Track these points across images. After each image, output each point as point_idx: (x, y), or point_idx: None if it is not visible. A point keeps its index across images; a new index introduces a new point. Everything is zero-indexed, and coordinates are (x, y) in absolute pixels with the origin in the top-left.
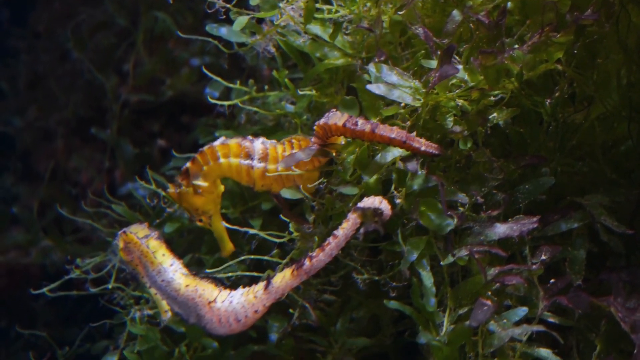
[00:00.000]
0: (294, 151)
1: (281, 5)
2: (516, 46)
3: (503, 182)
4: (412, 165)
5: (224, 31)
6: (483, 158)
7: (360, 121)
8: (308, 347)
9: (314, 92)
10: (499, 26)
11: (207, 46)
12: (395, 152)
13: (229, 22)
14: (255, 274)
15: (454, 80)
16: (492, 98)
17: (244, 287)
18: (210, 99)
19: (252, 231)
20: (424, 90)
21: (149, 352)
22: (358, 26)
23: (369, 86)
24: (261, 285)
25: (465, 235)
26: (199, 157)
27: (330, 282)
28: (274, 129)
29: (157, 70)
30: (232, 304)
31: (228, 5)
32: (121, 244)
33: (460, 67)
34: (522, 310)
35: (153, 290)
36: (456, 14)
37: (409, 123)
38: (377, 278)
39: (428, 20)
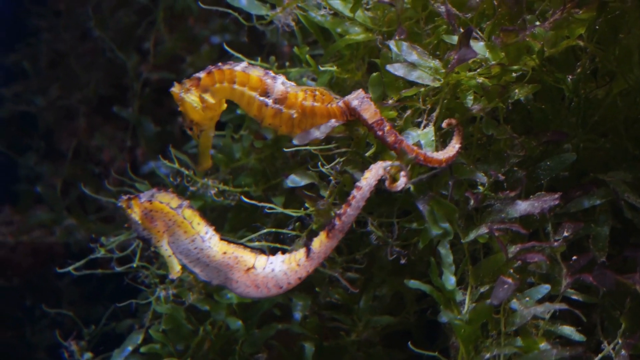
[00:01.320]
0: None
1: None
2: (537, 23)
3: (524, 159)
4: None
5: (244, 2)
6: (504, 135)
7: (387, 129)
8: (332, 325)
9: (335, 68)
10: (520, 3)
11: (227, 24)
12: (414, 134)
13: None
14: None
15: (475, 59)
16: (514, 74)
17: (282, 253)
18: None
19: (271, 206)
20: (443, 70)
21: (174, 330)
22: (379, 1)
23: (388, 67)
24: (302, 252)
25: (486, 213)
26: (215, 72)
27: (355, 259)
28: None
29: (177, 48)
30: (273, 271)
31: None
32: (138, 210)
33: (481, 44)
34: (545, 288)
35: (167, 252)
36: None
37: (429, 106)
38: (399, 251)
39: None
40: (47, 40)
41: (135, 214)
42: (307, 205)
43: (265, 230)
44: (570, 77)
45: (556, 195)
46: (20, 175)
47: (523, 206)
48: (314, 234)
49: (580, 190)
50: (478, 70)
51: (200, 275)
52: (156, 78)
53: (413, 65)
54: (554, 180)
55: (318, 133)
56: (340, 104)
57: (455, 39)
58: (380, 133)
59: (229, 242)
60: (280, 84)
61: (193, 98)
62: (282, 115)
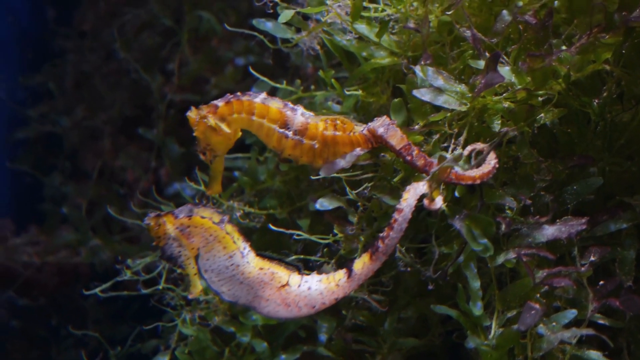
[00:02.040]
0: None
1: (328, 2)
2: (564, 47)
3: (551, 183)
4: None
5: (269, 25)
6: (531, 159)
7: (416, 153)
8: (357, 348)
9: (360, 92)
10: (546, 28)
11: (251, 45)
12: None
13: (275, 18)
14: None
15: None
16: (540, 99)
17: (318, 273)
18: None
19: (298, 233)
20: (470, 94)
21: (200, 352)
22: (405, 27)
23: (414, 92)
24: (342, 273)
25: (513, 237)
26: (234, 103)
27: (380, 282)
28: None
29: (201, 70)
30: (309, 289)
31: (277, 0)
32: (172, 226)
33: (507, 68)
34: (572, 313)
35: (194, 270)
36: (505, 14)
37: (456, 130)
38: (422, 269)
39: (475, 19)
40: (72, 61)
41: (169, 230)
42: (335, 230)
43: (293, 257)
44: (596, 101)
45: (583, 220)
46: (46, 195)
47: (550, 231)
48: (343, 259)
49: (606, 214)
50: (504, 94)
51: (227, 294)
52: (180, 99)
53: (439, 90)
54: (580, 204)
55: (344, 163)
56: (365, 131)
57: (481, 63)
58: (409, 158)
59: (264, 257)
60: (300, 115)
61: (211, 123)
62: (302, 146)
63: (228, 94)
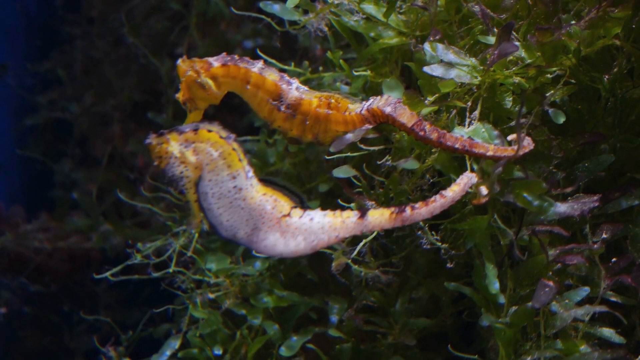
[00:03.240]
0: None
1: None
2: (573, 22)
3: (562, 160)
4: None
5: (277, 8)
6: (542, 136)
7: (428, 127)
8: (368, 329)
9: (368, 72)
10: (555, 2)
11: (259, 28)
12: (462, 133)
13: (283, 0)
14: None
15: (510, 58)
16: (549, 75)
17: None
18: None
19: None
20: (481, 68)
21: (212, 335)
22: (412, 4)
23: (425, 68)
24: (353, 213)
25: (525, 215)
26: (232, 67)
27: (391, 262)
28: None
29: (210, 53)
30: (312, 221)
31: None
32: (176, 143)
33: (517, 44)
34: (584, 290)
35: (194, 197)
36: None
37: (469, 104)
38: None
39: None
40: (80, 48)
41: (174, 147)
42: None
43: None
44: (606, 77)
45: (595, 197)
46: (56, 181)
47: (563, 208)
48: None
49: (618, 191)
50: (514, 69)
51: (226, 225)
52: None
53: (450, 65)
54: (591, 181)
55: (353, 137)
56: (363, 112)
57: (490, 39)
58: (422, 134)
59: (269, 184)
60: (294, 89)
61: (201, 81)
62: (294, 120)
63: (225, 54)
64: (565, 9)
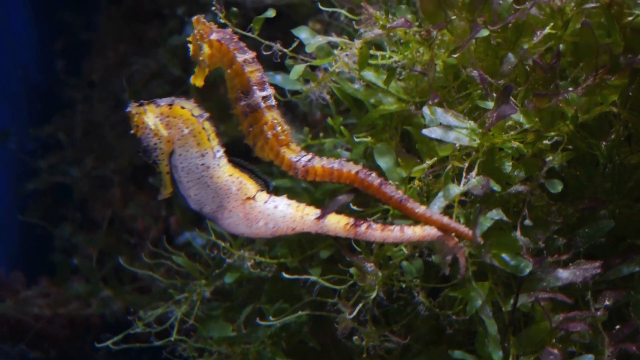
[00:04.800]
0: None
1: (336, 52)
2: (570, 89)
3: (562, 226)
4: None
5: (279, 79)
6: (541, 202)
7: (374, 174)
8: None
9: (369, 138)
10: (553, 68)
11: None
12: (455, 191)
13: (282, 68)
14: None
15: (509, 122)
16: (547, 142)
17: (288, 198)
18: None
19: (311, 278)
20: (480, 131)
21: None
22: (411, 70)
23: (424, 131)
24: (314, 212)
25: (527, 281)
26: (223, 46)
27: (392, 330)
28: None
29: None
30: (275, 209)
31: (285, 50)
32: (152, 115)
33: (516, 107)
34: (589, 358)
35: (167, 168)
36: (511, 57)
37: (466, 164)
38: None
39: (481, 63)
40: (81, 112)
41: (150, 118)
42: (351, 271)
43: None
44: (604, 143)
45: (597, 264)
46: (56, 246)
47: (565, 275)
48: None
49: (619, 257)
50: (512, 133)
51: (193, 199)
52: None
53: (449, 127)
54: (591, 246)
55: (345, 198)
56: (298, 164)
57: (489, 104)
58: (367, 179)
59: (237, 167)
60: (260, 97)
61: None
62: (245, 118)
63: (230, 30)
64: (563, 76)
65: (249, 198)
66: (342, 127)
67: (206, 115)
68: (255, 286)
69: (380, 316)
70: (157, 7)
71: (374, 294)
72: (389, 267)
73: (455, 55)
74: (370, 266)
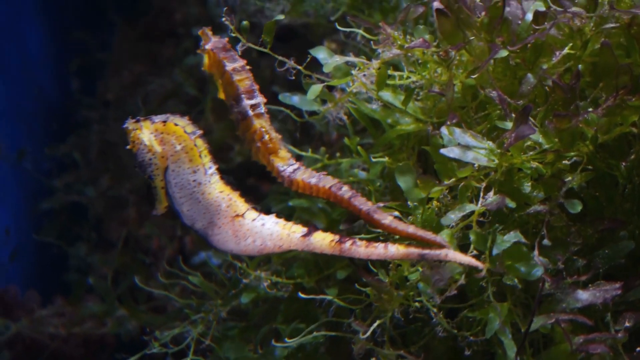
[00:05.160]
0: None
1: (353, 72)
2: (590, 109)
3: (581, 247)
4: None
5: (296, 100)
6: (561, 222)
7: (345, 187)
8: None
9: (386, 158)
10: (573, 89)
11: (274, 111)
12: (471, 208)
13: (299, 88)
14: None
15: (528, 143)
16: (567, 162)
17: (277, 216)
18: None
19: (327, 298)
20: (499, 151)
21: None
22: (429, 91)
23: (442, 150)
24: (300, 230)
25: (546, 303)
26: (214, 56)
27: (409, 352)
28: None
29: (225, 137)
30: (263, 226)
31: (299, 67)
32: (147, 131)
33: (534, 128)
34: None
35: (162, 183)
36: (530, 77)
37: (483, 185)
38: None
39: (499, 84)
40: (97, 131)
41: (145, 135)
42: (368, 292)
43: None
44: (623, 163)
45: (617, 285)
46: (71, 265)
47: (585, 296)
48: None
49: (639, 278)
50: (531, 153)
51: (186, 215)
52: None
53: (467, 147)
54: (611, 267)
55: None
56: (283, 173)
57: (508, 124)
58: (337, 190)
59: (229, 185)
60: (249, 106)
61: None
62: (238, 124)
63: (225, 40)
64: (582, 96)
65: (237, 215)
66: (359, 147)
67: (199, 132)
68: (271, 306)
69: (397, 337)
70: (172, 26)
71: (389, 314)
72: (406, 287)
73: (473, 76)
74: (386, 286)
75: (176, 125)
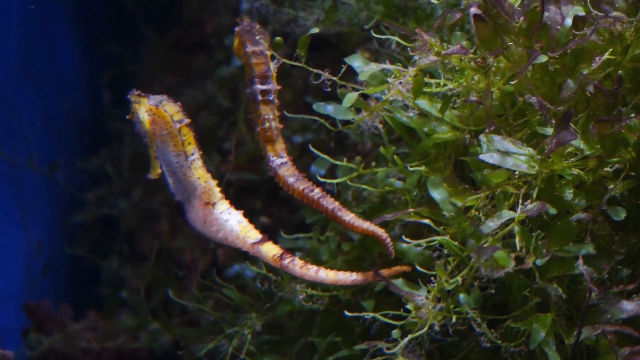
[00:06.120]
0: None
1: (389, 80)
2: (632, 115)
3: (625, 256)
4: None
5: (330, 109)
6: (604, 231)
7: (316, 190)
8: None
9: (423, 167)
10: (615, 94)
11: (307, 122)
12: (509, 215)
13: (333, 98)
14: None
15: (569, 149)
16: (609, 169)
17: (244, 216)
18: (318, 177)
19: (363, 315)
20: (539, 157)
21: None
22: (467, 100)
23: (482, 156)
24: (255, 236)
25: (590, 313)
26: (240, 40)
27: None
28: (382, 206)
29: (258, 148)
30: (226, 221)
31: (334, 78)
32: (144, 108)
33: (576, 133)
34: None
35: (155, 153)
36: (571, 83)
37: (522, 191)
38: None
39: (538, 91)
40: (129, 144)
41: (141, 111)
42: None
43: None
44: None
45: None
46: (104, 279)
47: (630, 307)
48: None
49: None
50: (572, 159)
51: (171, 185)
52: (237, 178)
53: (507, 153)
54: None
55: (391, 215)
56: (271, 164)
57: (548, 130)
58: (309, 193)
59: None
60: (259, 89)
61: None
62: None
63: (256, 25)
64: (624, 102)
65: (208, 203)
66: (395, 156)
67: (186, 121)
68: (306, 319)
69: (435, 350)
70: (204, 37)
71: (425, 328)
72: (446, 299)
73: (512, 82)
74: (422, 299)
75: (165, 111)
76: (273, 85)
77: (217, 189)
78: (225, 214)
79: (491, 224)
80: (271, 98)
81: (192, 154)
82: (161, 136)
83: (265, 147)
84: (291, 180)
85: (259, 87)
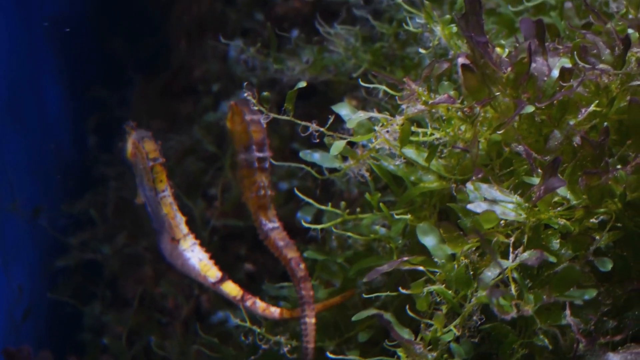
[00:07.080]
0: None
1: (377, 128)
2: (619, 167)
3: (611, 308)
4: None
5: (317, 157)
6: (590, 282)
7: (302, 266)
8: None
9: (409, 216)
10: (602, 146)
11: (293, 169)
12: (505, 265)
13: (319, 145)
14: None
15: (556, 198)
16: (595, 220)
17: (206, 251)
18: (304, 223)
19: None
20: (526, 205)
21: None
22: (454, 147)
23: (469, 206)
24: (215, 275)
25: None
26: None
27: None
28: (366, 254)
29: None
30: (189, 259)
31: (322, 129)
32: (130, 146)
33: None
34: None
35: (138, 179)
36: (557, 133)
37: (512, 239)
38: None
39: (524, 141)
40: (113, 188)
41: (128, 143)
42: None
43: None
44: None
45: None
46: (85, 324)
47: (616, 358)
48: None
49: None
50: (559, 209)
51: (150, 213)
52: (223, 225)
53: (494, 202)
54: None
55: (387, 267)
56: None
57: (535, 179)
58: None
59: (176, 209)
60: (256, 157)
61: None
62: (240, 170)
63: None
64: (610, 153)
65: (173, 239)
66: (380, 204)
67: (160, 160)
68: None
69: None
70: (191, 83)
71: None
72: (438, 348)
73: (499, 132)
74: (418, 348)
75: (143, 148)
76: (268, 153)
77: (184, 226)
78: (188, 252)
79: (489, 274)
80: (266, 166)
81: (163, 191)
82: (139, 169)
83: (258, 212)
84: (280, 244)
85: (257, 154)
